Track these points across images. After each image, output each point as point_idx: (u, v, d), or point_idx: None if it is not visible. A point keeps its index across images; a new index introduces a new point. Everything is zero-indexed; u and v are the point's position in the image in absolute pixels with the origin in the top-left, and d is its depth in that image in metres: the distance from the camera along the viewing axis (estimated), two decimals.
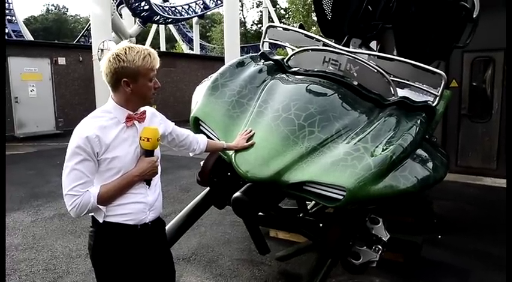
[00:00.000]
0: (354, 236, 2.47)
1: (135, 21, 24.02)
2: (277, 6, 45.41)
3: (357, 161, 2.12)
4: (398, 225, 3.64)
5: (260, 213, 2.85)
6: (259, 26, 42.93)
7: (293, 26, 4.49)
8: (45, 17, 52.22)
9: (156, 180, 1.76)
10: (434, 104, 2.67)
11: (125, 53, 1.53)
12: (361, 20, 3.69)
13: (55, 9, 55.39)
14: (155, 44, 36.00)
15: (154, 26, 31.37)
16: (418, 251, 3.52)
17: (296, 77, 2.91)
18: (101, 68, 1.57)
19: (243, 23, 44.42)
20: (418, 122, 2.47)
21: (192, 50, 31.66)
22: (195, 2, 30.19)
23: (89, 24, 16.15)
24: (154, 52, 1.61)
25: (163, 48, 34.11)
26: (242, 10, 46.07)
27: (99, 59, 12.68)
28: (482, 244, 3.87)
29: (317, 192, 2.18)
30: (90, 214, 1.65)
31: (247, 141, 2.33)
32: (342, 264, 2.59)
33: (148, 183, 1.69)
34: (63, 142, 11.94)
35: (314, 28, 28.34)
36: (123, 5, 22.17)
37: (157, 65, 1.62)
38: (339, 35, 3.85)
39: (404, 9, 3.23)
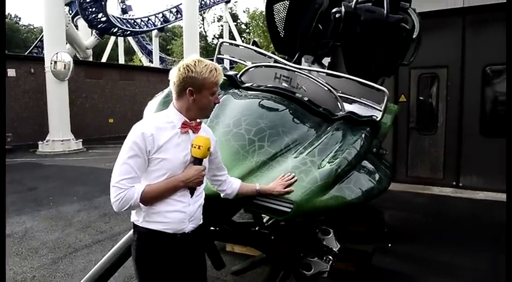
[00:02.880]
0: (305, 248, 2.53)
1: (91, 33, 23.48)
2: (238, 21, 46.13)
3: (304, 175, 2.19)
4: (351, 235, 3.76)
5: (212, 228, 2.86)
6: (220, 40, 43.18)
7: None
8: None
9: (200, 190, 1.79)
10: (378, 119, 2.83)
11: (195, 64, 1.65)
12: (312, 37, 3.84)
13: (7, 18, 52.99)
14: (113, 56, 35.28)
15: (113, 37, 30.80)
16: (369, 259, 3.64)
17: (248, 92, 2.98)
18: (170, 77, 1.70)
19: (204, 37, 44.62)
20: (363, 135, 2.60)
21: (152, 62, 31.31)
22: (154, 15, 30.04)
23: (42, 35, 15.59)
24: (219, 68, 1.72)
25: (121, 60, 33.45)
26: (203, 24, 46.42)
27: (52, 72, 12.27)
28: (430, 252, 4.05)
29: (267, 206, 2.22)
30: (132, 220, 1.74)
31: (285, 188, 2.14)
32: (294, 276, 2.64)
33: (192, 192, 1.72)
34: (12, 158, 11.31)
35: None
36: (79, 16, 21.62)
37: (221, 80, 1.72)
38: (291, 52, 3.98)
39: (350, 29, 3.42)
